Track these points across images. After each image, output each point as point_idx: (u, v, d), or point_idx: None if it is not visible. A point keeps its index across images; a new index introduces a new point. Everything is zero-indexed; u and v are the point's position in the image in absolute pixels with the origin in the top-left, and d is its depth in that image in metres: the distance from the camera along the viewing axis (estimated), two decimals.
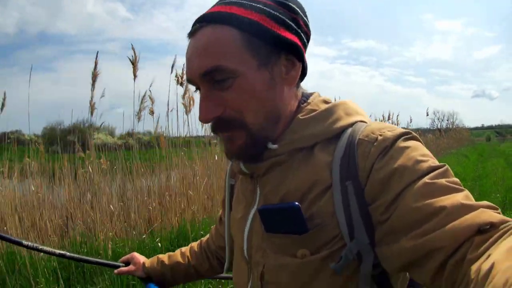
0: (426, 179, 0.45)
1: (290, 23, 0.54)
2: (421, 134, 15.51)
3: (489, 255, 0.36)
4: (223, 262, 0.76)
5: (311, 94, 0.61)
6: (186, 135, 4.56)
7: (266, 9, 0.53)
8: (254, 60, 0.52)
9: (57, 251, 0.96)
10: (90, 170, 3.65)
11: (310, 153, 0.55)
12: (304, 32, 0.57)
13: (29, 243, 0.93)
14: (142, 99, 4.04)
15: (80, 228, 3.29)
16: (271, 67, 0.53)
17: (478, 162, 12.90)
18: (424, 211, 0.42)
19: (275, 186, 0.56)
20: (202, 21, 0.53)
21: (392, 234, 0.46)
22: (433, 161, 0.48)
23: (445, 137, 21.63)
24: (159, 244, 3.09)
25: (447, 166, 0.47)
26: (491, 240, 0.38)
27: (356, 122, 0.55)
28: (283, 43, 0.53)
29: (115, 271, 0.94)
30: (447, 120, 38.44)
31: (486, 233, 0.39)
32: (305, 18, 0.57)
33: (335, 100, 0.61)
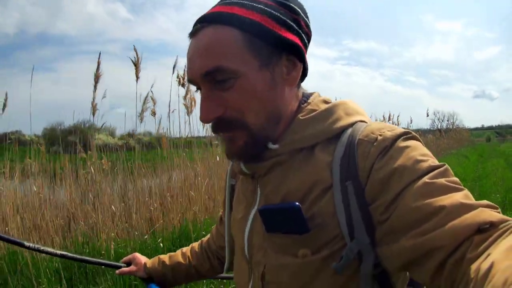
0: (425, 178, 0.45)
1: (291, 23, 0.54)
2: (421, 135, 15.48)
3: (488, 254, 0.36)
4: (224, 262, 0.76)
5: (311, 94, 0.61)
6: (187, 135, 4.58)
7: (268, 9, 0.53)
8: (256, 60, 0.52)
9: (59, 252, 0.96)
10: (92, 171, 3.65)
11: (310, 153, 0.55)
12: (305, 33, 0.57)
13: (31, 244, 0.93)
14: (144, 100, 4.06)
15: (82, 228, 3.29)
16: (272, 67, 0.54)
17: (478, 163, 12.85)
18: (423, 211, 0.42)
19: (275, 186, 0.56)
20: (203, 21, 0.53)
21: (392, 234, 0.46)
22: (432, 161, 0.48)
23: (445, 138, 21.60)
24: (161, 244, 3.09)
25: (446, 165, 0.48)
26: (490, 239, 0.38)
27: (356, 122, 0.55)
28: (284, 43, 0.54)
29: (117, 271, 0.95)
30: (447, 121, 38.38)
31: (486, 232, 0.39)
32: (306, 19, 0.57)
33: (335, 99, 0.61)
